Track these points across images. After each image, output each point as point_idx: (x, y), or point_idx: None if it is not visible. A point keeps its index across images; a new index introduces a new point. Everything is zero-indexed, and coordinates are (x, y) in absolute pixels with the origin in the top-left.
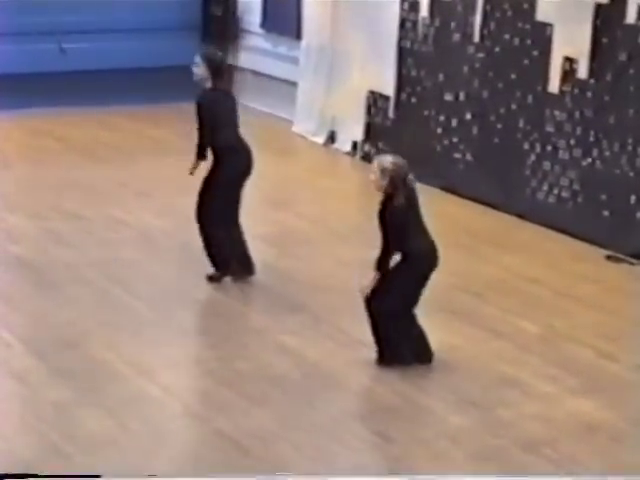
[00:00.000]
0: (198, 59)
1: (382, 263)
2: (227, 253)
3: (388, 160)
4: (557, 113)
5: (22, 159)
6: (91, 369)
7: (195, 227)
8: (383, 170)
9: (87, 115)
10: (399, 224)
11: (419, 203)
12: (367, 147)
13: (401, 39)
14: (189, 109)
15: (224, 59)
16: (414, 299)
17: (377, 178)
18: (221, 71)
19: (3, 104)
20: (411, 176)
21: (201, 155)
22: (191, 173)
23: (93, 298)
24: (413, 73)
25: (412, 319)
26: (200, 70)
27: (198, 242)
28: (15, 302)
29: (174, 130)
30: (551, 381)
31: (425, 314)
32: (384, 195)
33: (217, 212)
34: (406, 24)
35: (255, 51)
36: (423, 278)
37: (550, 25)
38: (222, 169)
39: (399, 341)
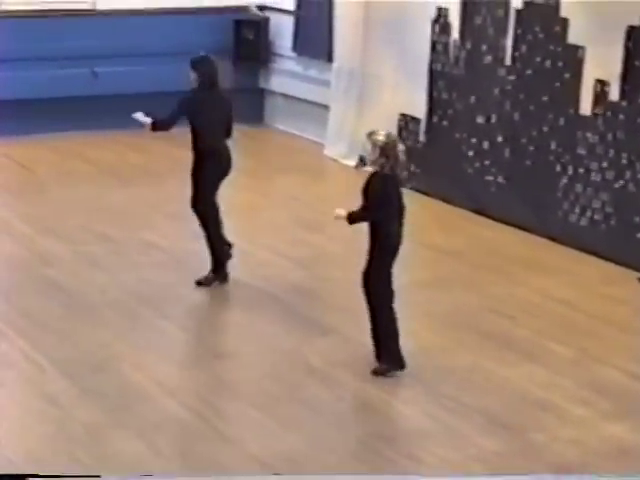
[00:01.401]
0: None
1: (355, 217)
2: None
3: (380, 134)
4: (589, 135)
5: (55, 182)
6: (122, 390)
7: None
8: (374, 143)
9: (118, 138)
10: (384, 191)
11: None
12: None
13: (432, 62)
14: None
15: (216, 65)
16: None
17: (370, 151)
18: (213, 76)
19: (37, 127)
20: (401, 147)
21: (160, 126)
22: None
23: (124, 320)
24: (444, 96)
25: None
26: (190, 75)
27: (229, 264)
28: (47, 324)
29: None
30: (584, 404)
31: (457, 336)
32: (375, 169)
33: (212, 211)
34: (437, 47)
35: (286, 74)
36: (393, 259)
37: (582, 47)
38: (203, 170)
39: (396, 334)
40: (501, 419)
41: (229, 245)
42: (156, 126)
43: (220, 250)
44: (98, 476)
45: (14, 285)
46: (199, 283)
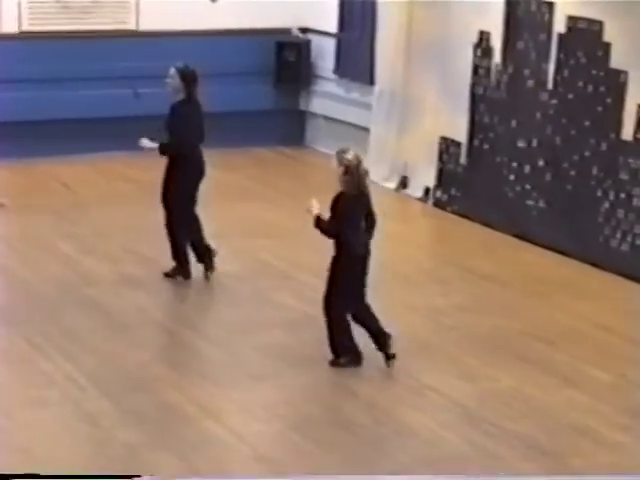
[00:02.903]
0: (172, 71)
1: (321, 225)
2: (186, 253)
3: (346, 153)
4: (631, 160)
5: (97, 202)
6: (161, 411)
7: (265, 269)
8: (340, 160)
9: (160, 158)
10: (347, 209)
11: (369, 199)
12: (439, 193)
13: (474, 85)
14: (261, 154)
15: (195, 72)
16: (361, 292)
17: (336, 168)
18: (194, 83)
19: (79, 147)
20: (365, 169)
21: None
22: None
23: (163, 341)
24: (486, 119)
25: (366, 310)
26: (174, 82)
27: (267, 285)
28: (88, 344)
29: (245, 174)
30: (623, 430)
31: (497, 360)
32: (342, 187)
33: (186, 216)
34: (479, 70)
35: (328, 96)
36: (362, 270)
37: (624, 72)
38: (183, 175)
39: (351, 338)
40: (540, 444)
41: (209, 249)
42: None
43: (182, 246)
44: (100, 476)
45: (56, 305)
46: (166, 275)
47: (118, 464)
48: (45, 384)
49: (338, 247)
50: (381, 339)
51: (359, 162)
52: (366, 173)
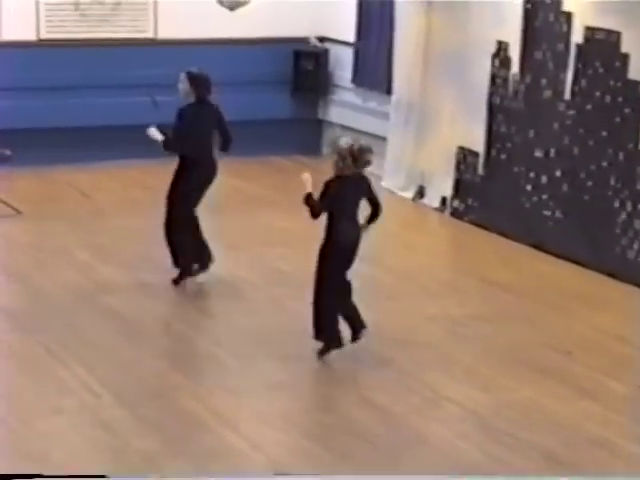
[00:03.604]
0: (182, 76)
1: (311, 202)
2: (191, 257)
3: (338, 139)
4: None
5: (115, 210)
6: (177, 419)
7: (281, 277)
8: (334, 147)
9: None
10: (337, 190)
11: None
12: (456, 203)
13: (491, 95)
14: (278, 162)
15: (206, 76)
16: (344, 280)
17: (330, 154)
18: (203, 87)
19: (97, 155)
20: (364, 153)
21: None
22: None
23: (180, 349)
24: (503, 129)
25: (346, 296)
26: (183, 86)
27: (285, 294)
28: (105, 352)
29: (263, 183)
30: (639, 441)
31: (514, 371)
32: (335, 172)
33: (184, 217)
34: (497, 80)
35: (345, 105)
36: (347, 260)
37: None
38: (188, 177)
39: (335, 324)
40: (556, 455)
41: (207, 249)
42: (168, 145)
43: (186, 255)
44: (104, 476)
45: (73, 312)
46: (175, 281)
47: (134, 471)
48: (62, 391)
49: (327, 232)
50: (358, 331)
51: (351, 146)
52: (365, 156)
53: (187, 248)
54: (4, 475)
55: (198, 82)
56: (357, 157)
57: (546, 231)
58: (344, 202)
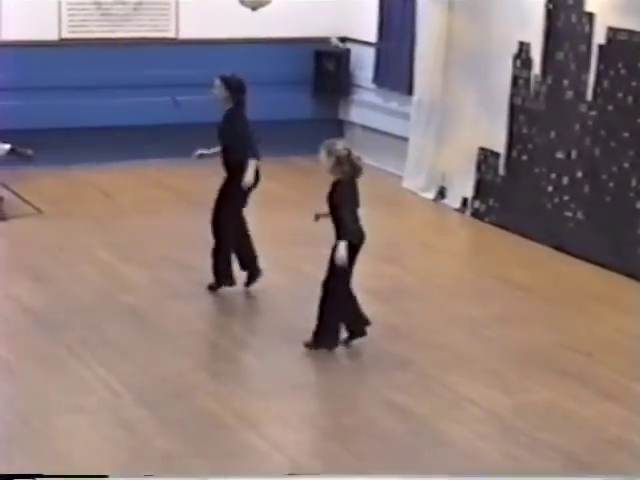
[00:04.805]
0: (217, 82)
1: (344, 230)
2: (231, 266)
3: (335, 144)
4: None
5: (135, 209)
6: (199, 420)
7: (304, 278)
8: (329, 152)
9: (199, 166)
10: (346, 195)
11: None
12: (477, 204)
13: (513, 96)
14: (299, 162)
15: (241, 80)
16: (350, 276)
17: (325, 159)
18: (240, 91)
19: (118, 155)
20: (357, 156)
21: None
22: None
23: (202, 349)
24: (524, 130)
25: (350, 294)
26: (220, 92)
27: (308, 294)
28: (126, 351)
29: (284, 183)
30: None
31: (535, 373)
32: (334, 179)
33: (230, 223)
34: (518, 81)
35: (366, 106)
36: (354, 254)
37: None
38: (234, 183)
39: (337, 323)
40: (578, 457)
41: (256, 262)
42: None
43: (222, 264)
44: (105, 476)
45: (94, 312)
46: (210, 288)
47: (154, 472)
48: (83, 391)
49: (338, 235)
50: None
51: (349, 151)
52: (359, 160)
53: (252, 251)
54: (4, 475)
55: (235, 87)
56: (355, 165)
57: (567, 232)
58: (352, 204)
